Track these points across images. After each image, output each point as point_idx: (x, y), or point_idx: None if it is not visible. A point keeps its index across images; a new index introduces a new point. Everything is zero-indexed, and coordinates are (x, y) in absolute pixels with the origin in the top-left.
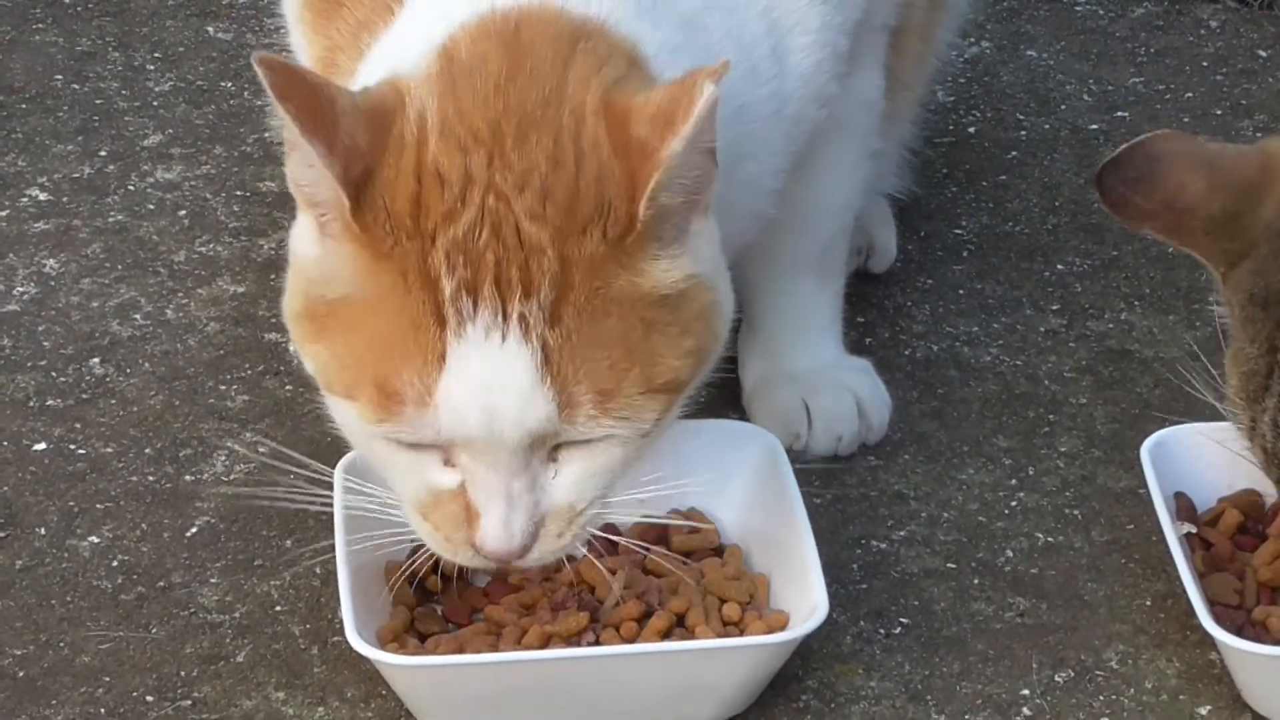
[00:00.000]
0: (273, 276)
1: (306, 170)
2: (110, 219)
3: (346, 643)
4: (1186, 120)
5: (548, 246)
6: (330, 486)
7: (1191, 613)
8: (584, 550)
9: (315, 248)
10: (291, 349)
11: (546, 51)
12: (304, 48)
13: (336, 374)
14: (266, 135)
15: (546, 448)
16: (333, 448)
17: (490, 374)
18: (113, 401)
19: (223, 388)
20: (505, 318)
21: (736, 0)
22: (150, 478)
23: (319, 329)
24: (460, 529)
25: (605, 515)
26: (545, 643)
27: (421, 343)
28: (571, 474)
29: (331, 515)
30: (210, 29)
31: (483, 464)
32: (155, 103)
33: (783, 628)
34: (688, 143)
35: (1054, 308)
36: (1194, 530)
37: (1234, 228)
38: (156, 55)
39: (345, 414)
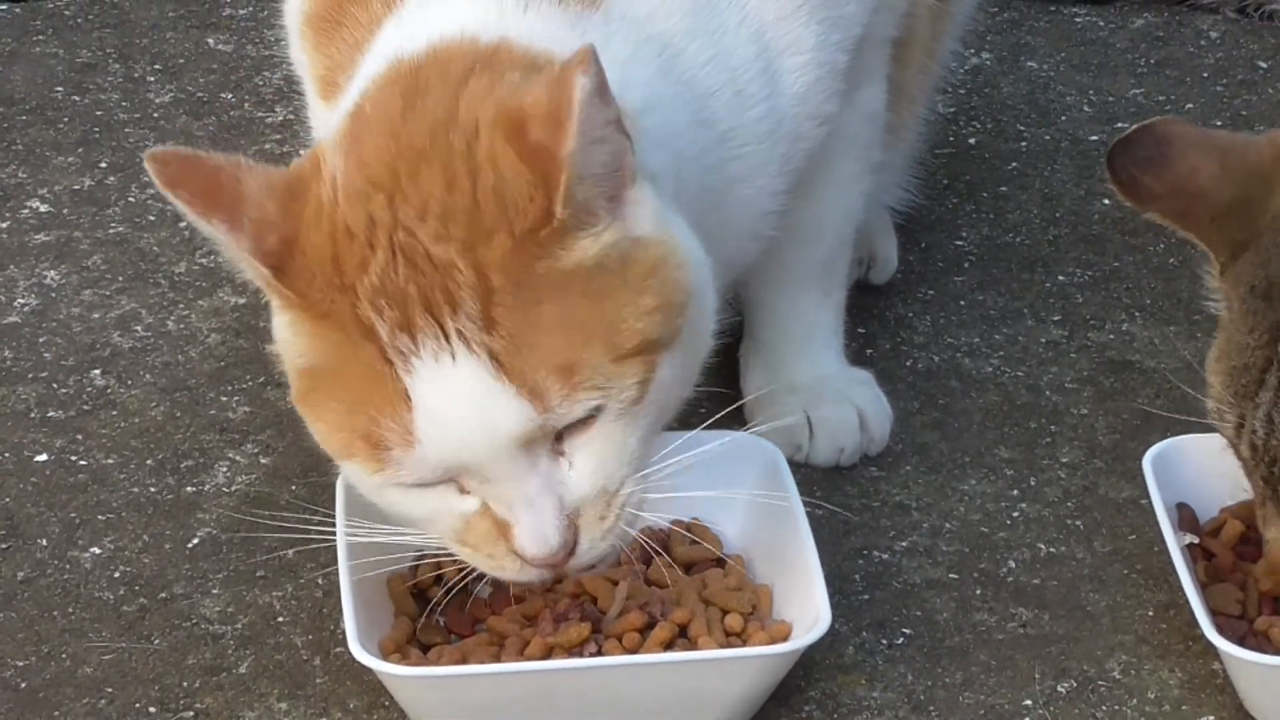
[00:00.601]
0: None
1: (226, 251)
2: (111, 230)
3: (349, 653)
4: None
5: (458, 260)
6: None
7: (1194, 623)
8: (624, 545)
9: (283, 327)
10: None
11: (439, 85)
12: (305, 64)
13: (333, 439)
14: (267, 147)
15: (546, 443)
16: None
17: (450, 395)
18: (114, 413)
19: (224, 399)
20: (446, 338)
21: (723, 24)
22: (152, 489)
23: (310, 405)
24: (499, 544)
25: (647, 503)
26: (548, 653)
27: (383, 388)
28: (586, 461)
29: (333, 527)
30: (210, 41)
31: (489, 480)
32: (156, 114)
33: (785, 638)
34: (581, 138)
35: (1055, 319)
36: (1196, 541)
37: (1242, 216)
38: (157, 67)
39: (353, 474)
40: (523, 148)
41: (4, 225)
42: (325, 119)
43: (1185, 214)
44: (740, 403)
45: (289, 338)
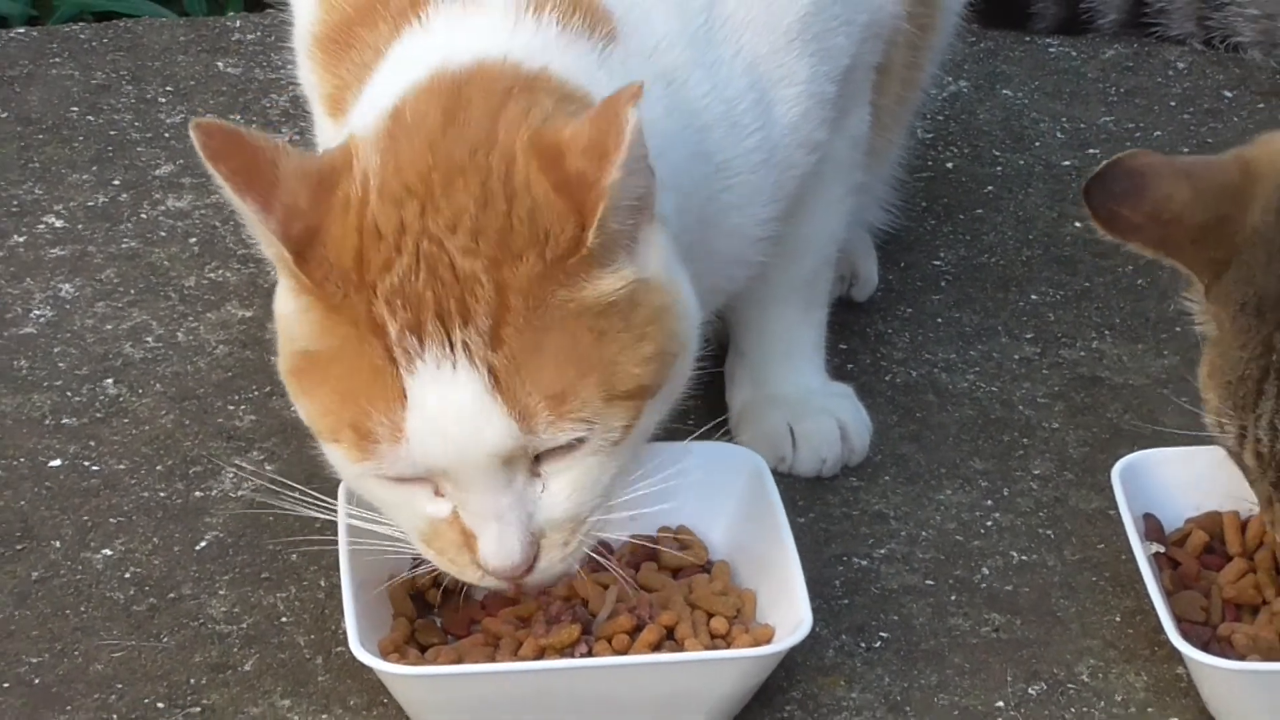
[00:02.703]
0: None
1: (252, 228)
2: (123, 245)
3: (350, 653)
4: None
5: (482, 276)
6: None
7: (1160, 629)
8: (576, 567)
9: (290, 305)
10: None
11: (481, 103)
12: (314, 85)
13: (320, 421)
14: None
15: (525, 463)
16: None
17: (445, 401)
18: (125, 420)
19: (231, 408)
20: (451, 347)
21: (719, 57)
22: (161, 493)
23: (302, 383)
24: (463, 552)
25: (608, 525)
26: (540, 654)
27: (382, 384)
28: (560, 486)
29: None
30: (220, 64)
31: (465, 488)
32: (167, 134)
33: (768, 641)
34: (624, 169)
35: (1028, 336)
36: (1162, 550)
37: (1219, 234)
38: (168, 89)
39: (334, 457)
40: (558, 178)
41: (21, 240)
42: (332, 135)
43: (1164, 241)
44: (726, 415)
45: (294, 319)
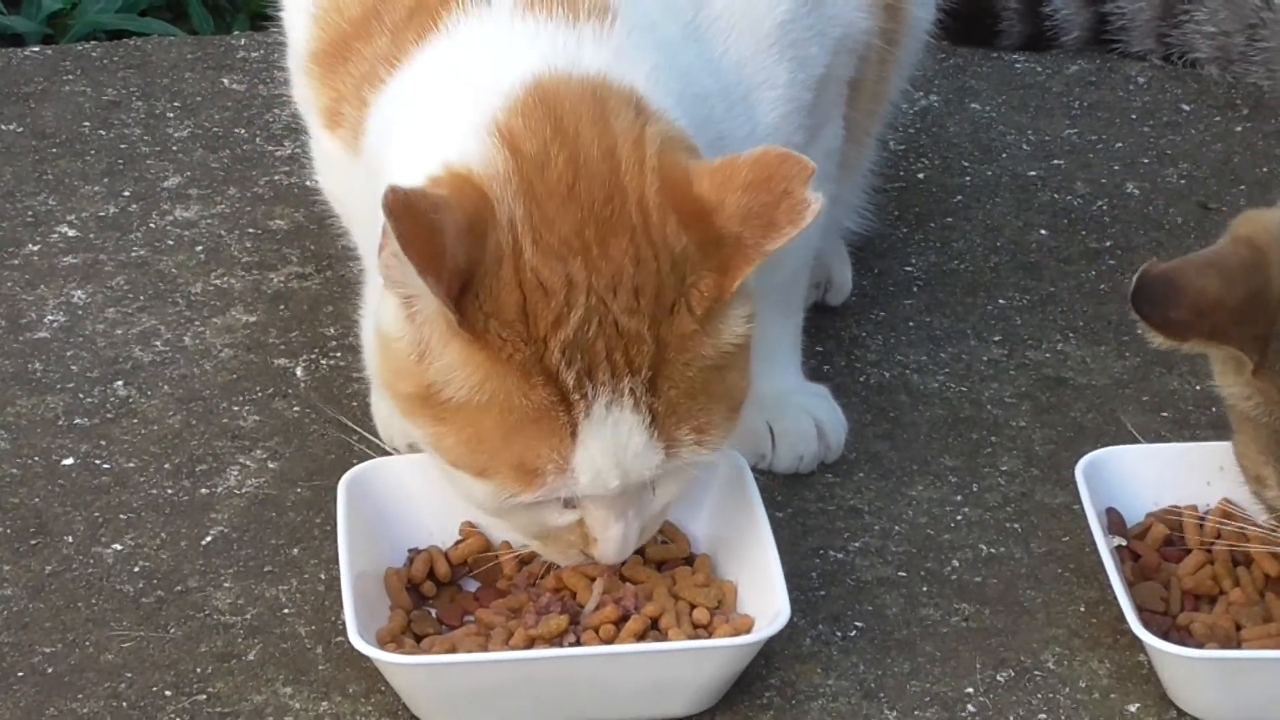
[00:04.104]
0: (281, 307)
1: (411, 281)
2: (133, 254)
3: (348, 643)
4: (1117, 168)
5: (645, 333)
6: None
7: (1122, 618)
8: None
9: (403, 327)
10: (298, 373)
11: (591, 138)
12: (309, 98)
13: (466, 457)
14: (277, 179)
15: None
16: (337, 463)
17: (614, 440)
18: (135, 421)
19: (235, 408)
20: (619, 394)
21: (711, 51)
22: (169, 490)
23: (438, 416)
24: (574, 546)
25: None
26: (530, 644)
27: (551, 425)
28: (665, 493)
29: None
30: (225, 80)
31: (605, 506)
32: (175, 148)
33: (748, 630)
34: (789, 241)
35: (996, 339)
36: (1124, 543)
37: (1255, 308)
38: (176, 104)
39: (473, 488)
40: (704, 236)
41: (35, 249)
42: (328, 147)
43: (1215, 329)
44: None
45: (443, 366)
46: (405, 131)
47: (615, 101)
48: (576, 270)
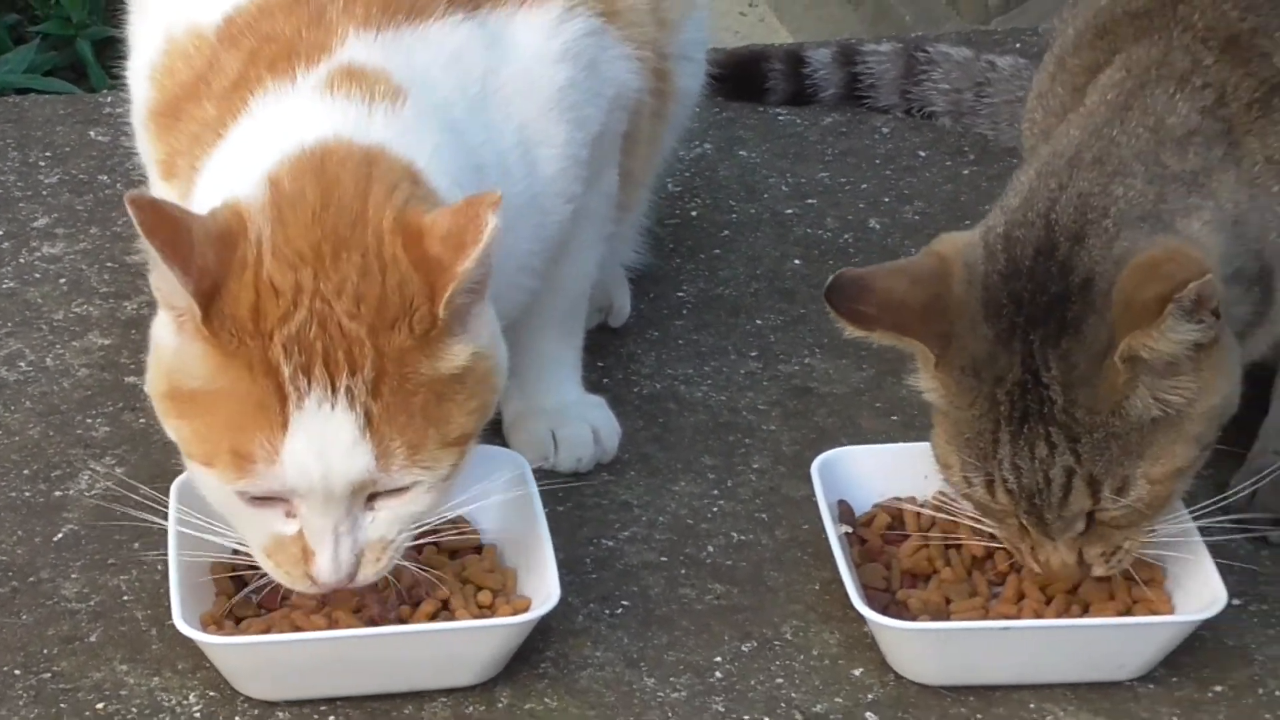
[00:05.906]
0: (134, 332)
1: (166, 283)
2: (3, 286)
3: None
4: (862, 205)
5: (365, 338)
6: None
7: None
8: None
9: (173, 339)
10: (146, 390)
11: (349, 182)
12: (149, 151)
13: (196, 446)
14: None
15: (364, 495)
16: (177, 468)
17: (323, 434)
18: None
19: (89, 420)
20: (334, 391)
21: (494, 118)
22: (26, 493)
23: (180, 409)
24: (298, 565)
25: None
26: (337, 624)
27: (267, 415)
28: (385, 516)
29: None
30: (91, 133)
31: (316, 511)
32: (45, 192)
33: (525, 610)
34: (477, 261)
35: (753, 354)
36: (851, 530)
37: (936, 309)
38: (47, 154)
39: (203, 477)
40: (418, 256)
41: None
42: (165, 193)
43: (898, 324)
44: (499, 421)
45: (186, 359)
46: (215, 184)
47: (385, 165)
48: (306, 278)
